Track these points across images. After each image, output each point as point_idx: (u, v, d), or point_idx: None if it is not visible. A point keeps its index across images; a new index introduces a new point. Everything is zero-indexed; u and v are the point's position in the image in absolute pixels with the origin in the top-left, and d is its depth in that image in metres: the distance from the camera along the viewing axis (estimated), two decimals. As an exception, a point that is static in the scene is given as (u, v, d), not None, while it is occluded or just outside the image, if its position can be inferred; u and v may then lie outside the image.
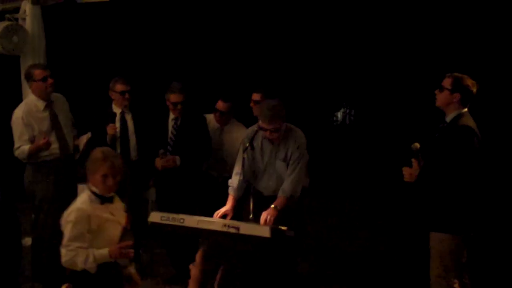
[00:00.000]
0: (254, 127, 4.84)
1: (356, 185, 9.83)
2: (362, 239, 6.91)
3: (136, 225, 5.59)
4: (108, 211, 3.52)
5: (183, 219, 4.18)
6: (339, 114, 15.51)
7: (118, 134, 5.37)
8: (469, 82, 3.99)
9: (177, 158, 5.23)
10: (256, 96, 5.35)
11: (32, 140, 5.02)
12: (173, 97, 5.27)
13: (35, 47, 6.11)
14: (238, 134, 5.42)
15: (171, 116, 5.39)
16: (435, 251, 3.99)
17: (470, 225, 3.98)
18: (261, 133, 4.63)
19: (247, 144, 4.64)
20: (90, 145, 5.36)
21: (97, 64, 10.12)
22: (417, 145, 3.99)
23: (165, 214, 4.34)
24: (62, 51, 8.40)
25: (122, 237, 3.47)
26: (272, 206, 4.42)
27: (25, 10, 6.12)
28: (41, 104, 5.11)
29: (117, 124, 5.40)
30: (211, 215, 4.58)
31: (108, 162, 3.44)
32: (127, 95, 5.40)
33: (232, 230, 4.03)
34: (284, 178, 4.60)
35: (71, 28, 9.57)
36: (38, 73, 5.06)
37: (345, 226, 7.55)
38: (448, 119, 4.04)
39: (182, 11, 10.15)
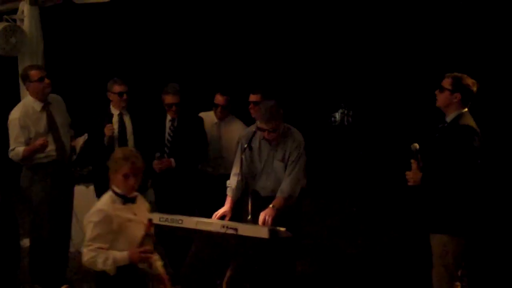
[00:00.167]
0: (252, 128, 4.84)
1: (354, 186, 9.83)
2: (360, 240, 6.91)
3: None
4: (131, 212, 3.49)
5: (181, 220, 4.18)
6: (337, 115, 15.51)
7: (116, 135, 5.36)
8: (469, 81, 3.97)
9: (172, 160, 5.23)
10: (254, 97, 5.35)
11: (27, 143, 4.99)
12: (168, 98, 5.29)
13: (33, 48, 6.10)
14: (235, 128, 5.50)
15: (168, 117, 5.38)
16: (437, 252, 3.96)
17: (473, 226, 3.96)
18: (259, 133, 4.63)
19: (245, 145, 4.64)
20: (87, 147, 5.37)
21: (95, 65, 10.12)
22: (416, 145, 3.95)
23: (164, 215, 4.34)
24: (60, 52, 8.41)
25: (143, 241, 3.44)
26: (271, 206, 4.43)
27: (23, 11, 6.11)
28: (38, 105, 5.09)
29: (115, 126, 5.38)
30: (209, 213, 4.58)
31: (129, 162, 3.42)
32: (124, 96, 5.39)
33: (231, 231, 4.04)
34: (282, 178, 4.60)
35: (69, 29, 9.57)
36: (34, 73, 5.04)
37: (343, 227, 7.55)
38: (448, 119, 4.02)
39: (180, 12, 10.16)
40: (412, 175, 3.93)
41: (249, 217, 4.46)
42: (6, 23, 5.92)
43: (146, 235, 3.44)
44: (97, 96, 5.88)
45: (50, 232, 5.13)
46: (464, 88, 3.95)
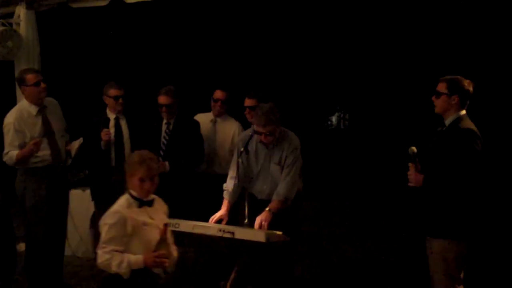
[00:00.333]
0: (248, 132, 4.85)
1: (351, 189, 9.84)
2: (356, 243, 6.91)
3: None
4: (147, 215, 3.48)
5: (178, 224, 4.17)
6: (334, 118, 15.54)
7: (113, 139, 5.35)
8: (465, 82, 3.93)
9: (166, 164, 5.22)
10: (250, 102, 5.35)
11: (22, 146, 4.96)
12: (160, 99, 5.31)
13: (29, 52, 6.09)
14: (230, 126, 5.60)
15: (164, 120, 5.39)
16: (439, 258, 3.91)
17: (474, 230, 3.92)
18: (255, 137, 4.63)
19: (242, 149, 4.64)
20: (83, 151, 5.35)
21: (92, 69, 10.11)
22: (414, 149, 3.89)
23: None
24: (56, 56, 8.40)
25: (159, 246, 3.43)
26: (267, 209, 4.42)
27: (19, 15, 6.11)
28: (33, 110, 5.07)
29: (112, 129, 5.37)
30: (205, 213, 4.57)
31: (145, 165, 3.40)
32: (120, 100, 5.38)
33: (227, 235, 4.03)
34: (279, 181, 4.60)
35: (66, 33, 9.57)
36: (30, 77, 5.02)
37: (340, 230, 7.56)
38: (447, 122, 3.97)
39: (176, 17, 10.17)
40: (414, 177, 3.89)
41: (246, 220, 4.46)
42: (2, 27, 5.91)
43: (162, 240, 3.43)
44: (93, 100, 5.87)
45: (45, 236, 5.12)
46: (461, 90, 3.91)
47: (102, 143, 5.27)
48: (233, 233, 4.03)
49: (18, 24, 6.10)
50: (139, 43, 10.82)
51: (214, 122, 5.67)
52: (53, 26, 7.53)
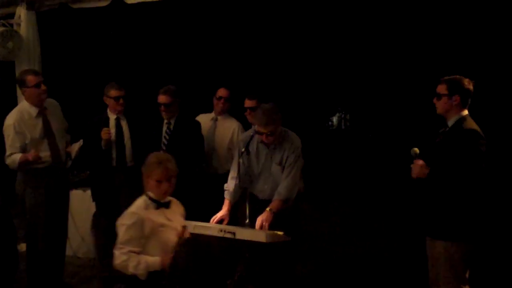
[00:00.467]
0: (249, 132, 4.85)
1: (351, 189, 9.84)
2: (357, 243, 6.91)
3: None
4: (164, 217, 3.48)
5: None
6: (335, 119, 15.55)
7: (113, 139, 5.35)
8: (464, 81, 3.90)
9: None
10: (250, 103, 5.37)
11: (23, 148, 4.97)
12: (159, 98, 5.34)
13: (30, 52, 6.09)
14: (230, 124, 5.66)
15: (165, 120, 5.39)
16: (444, 259, 3.89)
17: (478, 231, 3.90)
18: (256, 137, 4.63)
19: (243, 149, 4.64)
20: (83, 152, 5.35)
21: (92, 69, 10.11)
22: (416, 150, 3.87)
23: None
24: (57, 56, 8.40)
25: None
26: (268, 209, 4.41)
27: (20, 16, 6.11)
28: (33, 111, 5.07)
29: (112, 130, 5.37)
30: (204, 212, 4.57)
31: (162, 167, 3.43)
32: (121, 101, 5.38)
33: (228, 235, 4.03)
34: (280, 182, 4.60)
35: (66, 34, 9.57)
36: (31, 79, 5.01)
37: (341, 231, 7.56)
38: (450, 123, 3.93)
39: (177, 17, 10.16)
40: (419, 170, 3.84)
41: (247, 220, 4.46)
42: (3, 28, 5.92)
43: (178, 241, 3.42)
44: (94, 101, 5.87)
45: (46, 237, 5.12)
46: (462, 89, 3.88)
47: (103, 142, 5.27)
48: (234, 234, 4.02)
49: (19, 24, 6.11)
50: (140, 43, 10.82)
51: (215, 120, 5.70)
52: (54, 26, 7.53)
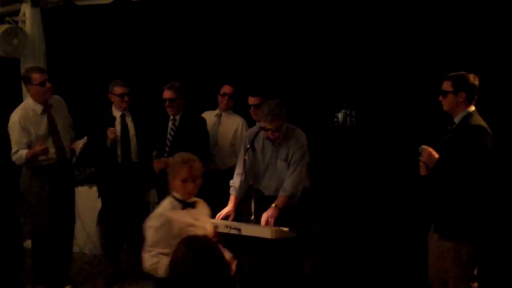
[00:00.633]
0: (254, 128, 4.85)
1: (357, 186, 9.82)
2: (363, 240, 6.89)
3: (138, 227, 5.61)
4: (191, 217, 3.46)
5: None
6: (340, 115, 15.53)
7: (119, 137, 5.36)
8: (470, 77, 3.84)
9: (170, 159, 5.22)
10: (253, 100, 5.36)
11: (29, 144, 4.98)
12: (164, 94, 5.34)
13: (35, 49, 6.11)
14: (234, 120, 5.66)
15: (170, 117, 5.39)
16: (455, 258, 3.86)
17: (486, 231, 3.87)
18: (262, 133, 4.63)
19: (248, 145, 4.63)
20: (88, 149, 5.36)
21: (97, 66, 10.12)
22: (425, 147, 3.86)
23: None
24: (62, 53, 8.40)
25: None
26: (273, 205, 4.41)
27: (25, 13, 6.12)
28: (38, 108, 5.07)
29: (118, 127, 5.37)
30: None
31: (187, 167, 3.40)
32: (126, 98, 5.38)
33: (234, 232, 4.03)
34: (285, 178, 4.59)
35: (71, 31, 9.57)
36: (36, 77, 5.01)
37: (346, 227, 7.54)
38: (456, 120, 3.88)
39: (181, 13, 10.16)
40: (427, 157, 3.80)
41: (252, 217, 4.46)
42: (8, 25, 5.92)
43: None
44: (99, 98, 5.88)
45: (51, 233, 5.14)
46: (467, 85, 3.83)
47: (108, 141, 5.27)
48: (239, 230, 4.03)
49: (24, 22, 6.12)
50: (145, 40, 10.82)
51: (219, 116, 5.71)
52: (59, 23, 7.53)
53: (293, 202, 4.55)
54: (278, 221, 4.35)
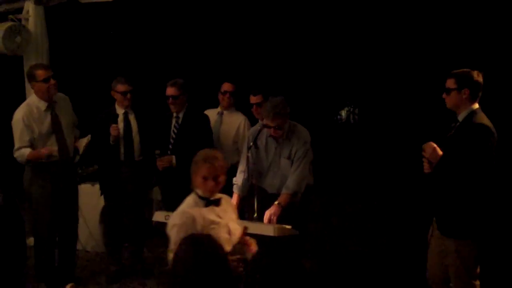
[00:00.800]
0: (257, 126, 4.85)
1: (359, 184, 9.81)
2: (365, 238, 6.89)
3: (140, 224, 5.62)
4: (215, 214, 3.42)
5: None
6: (343, 113, 15.50)
7: (122, 135, 5.36)
8: (474, 74, 3.81)
9: (173, 157, 5.22)
10: (255, 99, 5.35)
11: (32, 142, 4.98)
12: (167, 90, 5.33)
13: (38, 47, 6.11)
14: (237, 118, 5.67)
15: (174, 114, 5.39)
16: (457, 257, 3.85)
17: (489, 230, 3.85)
18: (265, 131, 4.63)
19: (251, 143, 4.63)
20: (91, 146, 5.36)
21: (100, 63, 10.13)
22: None
23: (170, 214, 4.31)
24: (65, 51, 8.41)
25: (236, 249, 3.37)
26: (276, 202, 4.41)
27: (28, 11, 6.12)
28: (42, 105, 5.07)
29: (120, 125, 5.37)
30: None
31: (208, 164, 3.34)
32: (128, 96, 5.38)
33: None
34: (289, 176, 4.59)
35: (74, 28, 9.58)
36: (40, 73, 5.01)
37: (348, 225, 7.53)
38: (460, 117, 3.84)
39: (184, 11, 10.16)
40: (431, 152, 3.76)
41: (255, 215, 4.46)
42: (11, 23, 5.92)
43: (239, 243, 3.39)
44: (102, 95, 5.88)
45: (53, 231, 5.15)
46: (471, 82, 3.79)
47: (111, 138, 5.27)
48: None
49: (27, 19, 6.12)
50: (148, 37, 10.82)
51: (220, 114, 5.71)
52: (62, 21, 7.53)
53: (296, 199, 4.55)
54: (281, 218, 4.35)
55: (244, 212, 4.80)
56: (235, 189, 4.68)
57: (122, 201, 5.44)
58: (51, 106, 5.12)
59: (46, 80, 5.01)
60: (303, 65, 12.18)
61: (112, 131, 5.25)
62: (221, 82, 5.76)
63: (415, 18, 10.09)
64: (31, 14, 6.10)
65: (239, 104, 5.78)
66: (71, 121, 5.31)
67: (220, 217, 3.43)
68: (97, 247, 6.25)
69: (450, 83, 3.86)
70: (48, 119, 5.08)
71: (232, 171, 4.82)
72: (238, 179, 4.69)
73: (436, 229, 4.03)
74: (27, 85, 5.79)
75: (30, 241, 5.36)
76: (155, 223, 4.46)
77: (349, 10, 10.67)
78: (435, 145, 3.80)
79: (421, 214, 4.16)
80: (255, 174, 4.74)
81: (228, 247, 3.39)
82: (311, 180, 5.07)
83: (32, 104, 5.07)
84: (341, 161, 11.78)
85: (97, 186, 5.71)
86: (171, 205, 5.00)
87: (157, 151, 5.26)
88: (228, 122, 5.66)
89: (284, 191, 4.51)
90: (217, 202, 3.47)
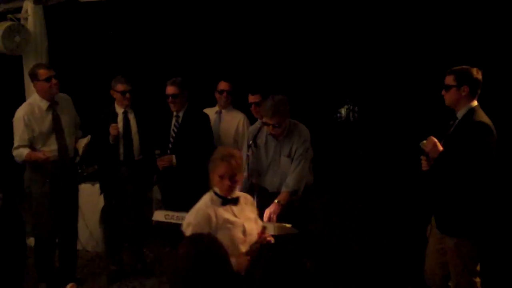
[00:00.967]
0: (256, 125, 4.84)
1: (359, 182, 9.80)
2: (365, 236, 6.88)
3: (140, 224, 5.61)
4: (231, 213, 3.41)
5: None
6: (343, 111, 15.48)
7: (121, 134, 5.35)
8: (473, 71, 3.81)
9: (173, 157, 5.22)
10: (253, 98, 5.35)
11: (31, 141, 4.98)
12: (167, 89, 5.32)
13: (37, 46, 6.10)
14: (235, 116, 5.68)
15: (174, 113, 5.38)
16: (457, 255, 3.86)
17: (488, 228, 3.85)
18: (265, 130, 4.63)
19: (251, 142, 4.63)
20: (91, 147, 5.36)
21: (100, 63, 10.11)
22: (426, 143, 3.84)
23: (169, 213, 4.33)
24: (64, 50, 8.40)
25: (253, 249, 3.37)
26: (276, 201, 4.41)
27: (27, 10, 6.11)
28: (44, 105, 5.08)
29: (120, 124, 5.37)
30: None
31: (224, 163, 3.35)
32: (128, 95, 5.37)
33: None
34: (289, 174, 4.58)
35: (73, 28, 9.57)
36: (42, 72, 5.03)
37: (348, 224, 7.52)
38: (459, 115, 3.85)
39: (184, 10, 10.15)
40: (431, 147, 3.76)
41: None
42: (10, 22, 5.91)
43: (256, 243, 3.38)
44: (102, 95, 5.87)
45: (53, 231, 5.15)
46: (470, 79, 3.79)
47: (111, 137, 5.27)
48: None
49: (26, 19, 6.11)
50: (148, 37, 10.80)
51: (219, 113, 5.72)
52: (61, 20, 7.52)
53: (296, 198, 4.55)
54: (281, 217, 4.35)
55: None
56: (235, 188, 4.67)
57: (122, 201, 5.43)
58: (53, 105, 5.12)
59: (48, 80, 5.02)
60: (302, 63, 12.16)
61: (112, 130, 5.25)
62: (218, 81, 5.75)
63: (414, 16, 10.08)
64: (30, 14, 6.09)
65: (238, 103, 5.78)
66: (72, 121, 5.31)
67: (236, 216, 3.42)
68: (97, 247, 6.24)
69: (450, 80, 3.86)
70: (49, 119, 5.09)
71: None
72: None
73: (434, 227, 4.03)
74: (27, 85, 5.79)
75: (30, 241, 5.36)
76: (155, 223, 4.46)
77: (348, 8, 10.66)
78: (435, 140, 3.80)
79: (421, 213, 4.15)
80: (255, 173, 4.74)
81: (243, 248, 3.38)
82: (311, 179, 5.07)
83: (33, 103, 5.08)
84: (340, 160, 11.76)
85: (97, 186, 5.71)
86: (171, 205, 5.03)
87: (157, 151, 5.25)
88: (227, 121, 5.66)
89: (283, 190, 4.52)
90: (235, 201, 3.46)
